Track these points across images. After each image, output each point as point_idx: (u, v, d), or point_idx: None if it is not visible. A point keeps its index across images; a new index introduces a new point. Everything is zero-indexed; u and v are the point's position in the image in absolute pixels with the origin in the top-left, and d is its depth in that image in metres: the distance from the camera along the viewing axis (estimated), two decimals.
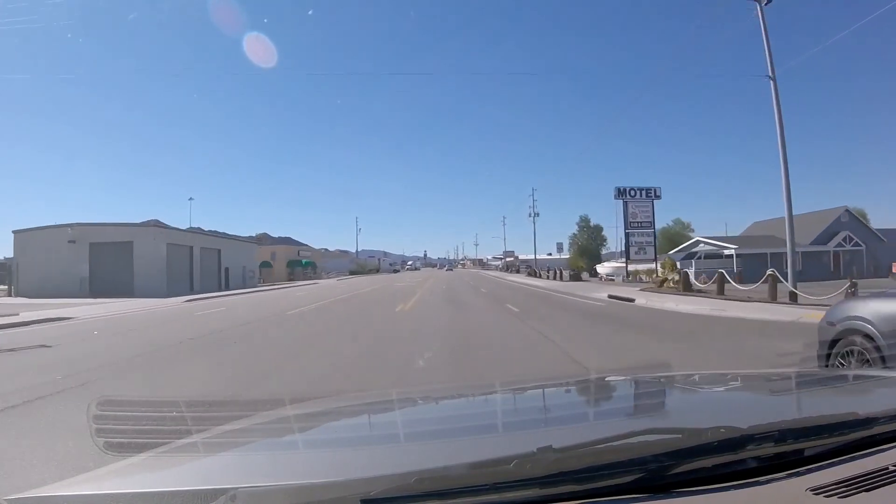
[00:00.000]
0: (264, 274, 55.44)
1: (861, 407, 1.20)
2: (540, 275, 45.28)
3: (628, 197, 31.42)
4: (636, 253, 30.68)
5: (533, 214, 63.34)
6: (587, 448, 0.98)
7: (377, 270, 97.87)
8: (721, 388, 2.06)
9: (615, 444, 0.99)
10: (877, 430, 1.12)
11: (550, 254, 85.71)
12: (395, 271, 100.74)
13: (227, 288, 37.27)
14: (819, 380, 2.17)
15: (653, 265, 29.15)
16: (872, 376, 2.21)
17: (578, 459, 0.94)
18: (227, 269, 39.98)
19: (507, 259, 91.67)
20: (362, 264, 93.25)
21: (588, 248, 55.78)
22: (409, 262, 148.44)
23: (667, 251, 41.99)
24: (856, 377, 2.22)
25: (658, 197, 31.54)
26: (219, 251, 39.80)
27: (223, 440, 1.36)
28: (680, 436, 1.01)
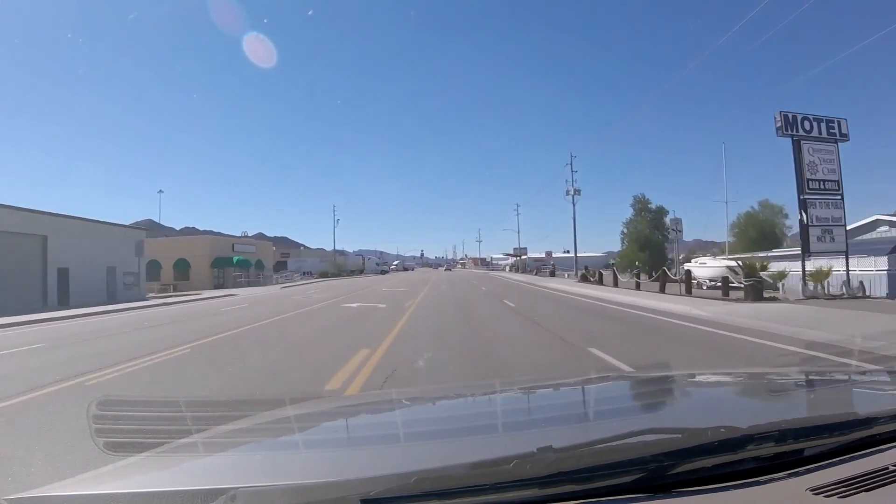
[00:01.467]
0: (179, 276, 40.97)
1: (861, 407, 1.20)
2: (593, 278, 27.67)
3: (801, 131, 16.76)
4: (819, 239, 16.47)
5: (572, 192, 40.97)
6: (587, 448, 0.98)
7: (361, 271, 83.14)
8: (721, 388, 2.06)
9: (615, 444, 0.99)
10: (877, 430, 1.12)
11: (567, 251, 70.40)
12: (384, 272, 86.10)
13: (67, 304, 22.53)
14: (819, 380, 2.17)
15: (825, 261, 16.73)
16: (872, 376, 2.21)
17: (578, 459, 0.94)
18: (62, 272, 23.93)
19: (521, 257, 72.46)
20: (341, 264, 75.52)
21: (652, 240, 36.62)
22: (396, 262, 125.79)
23: (759, 247, 31.91)
24: (856, 377, 2.23)
25: (844, 136, 17.24)
26: (43, 239, 23.26)
27: (223, 440, 1.36)
28: (680, 436, 1.00)
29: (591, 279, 27.78)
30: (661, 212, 38.13)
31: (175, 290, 36.78)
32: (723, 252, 37.47)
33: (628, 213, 40.75)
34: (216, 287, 40.27)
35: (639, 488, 0.93)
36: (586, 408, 1.78)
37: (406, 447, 1.29)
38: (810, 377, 2.31)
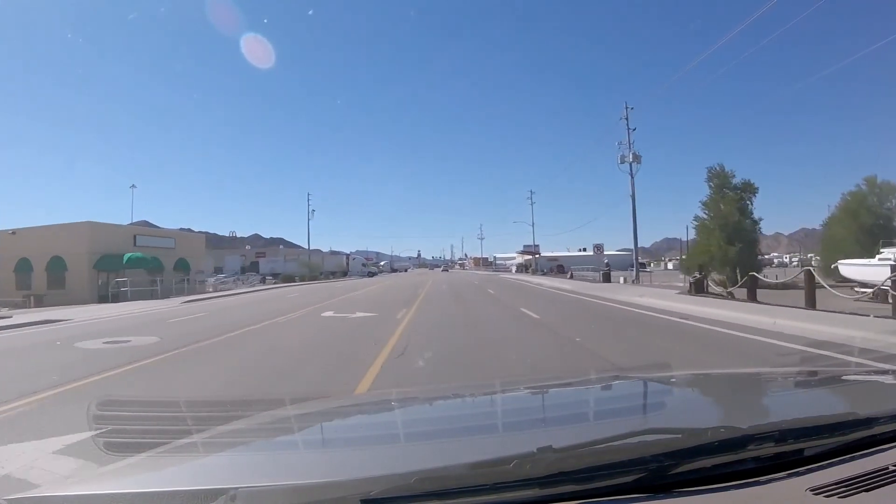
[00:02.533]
0: (53, 282, 28.20)
1: (861, 407, 1.20)
2: (724, 288, 17.13)
3: None
4: None
5: (630, 159, 27.53)
6: (587, 448, 0.98)
7: (345, 273, 68.24)
8: (721, 388, 2.06)
9: (615, 444, 0.99)
10: (877, 430, 1.13)
11: (584, 249, 63.19)
12: (371, 274, 71.36)
13: None
14: (819, 380, 2.17)
15: None
16: (872, 376, 2.21)
17: (578, 459, 0.94)
18: None
19: (535, 255, 59.86)
20: (314, 265, 59.11)
21: (740, 227, 22.74)
22: (382, 263, 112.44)
23: (873, 237, 18.98)
24: (856, 377, 2.23)
25: None
26: None
27: (223, 440, 1.36)
28: (680, 436, 1.01)
29: (723, 289, 16.32)
30: (749, 189, 23.21)
31: (39, 303, 24.78)
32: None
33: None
34: (101, 299, 26.62)
35: (639, 488, 0.93)
36: (586, 408, 1.78)
37: (406, 447, 1.29)
38: (810, 377, 2.32)
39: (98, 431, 1.41)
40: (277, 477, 1.01)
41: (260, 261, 66.23)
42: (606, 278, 28.25)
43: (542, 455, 0.93)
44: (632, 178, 27.70)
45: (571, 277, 35.87)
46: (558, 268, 48.07)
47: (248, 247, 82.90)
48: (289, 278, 51.02)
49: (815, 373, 2.56)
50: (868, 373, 2.70)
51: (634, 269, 28.43)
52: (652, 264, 68.08)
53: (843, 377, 2.22)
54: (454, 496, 0.89)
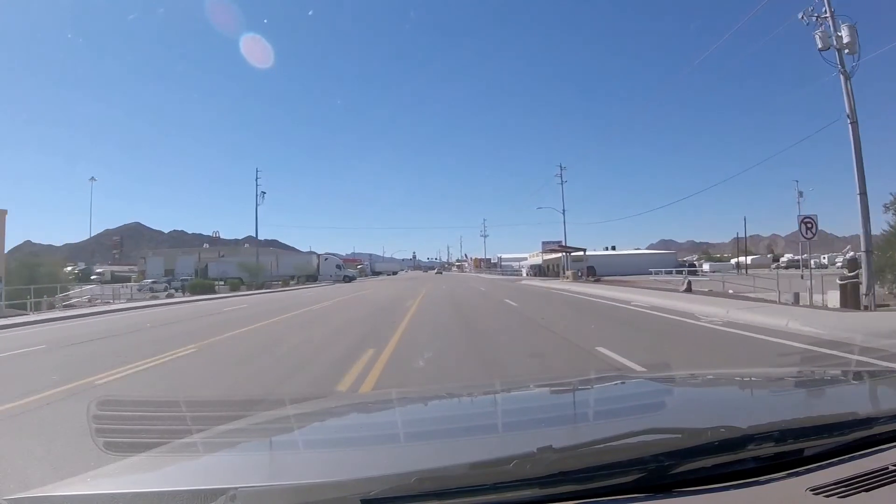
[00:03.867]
0: None
1: (861, 407, 1.21)
2: None
3: None
4: None
5: (843, 36, 11.78)
6: (587, 448, 0.98)
7: (314, 277, 55.85)
8: (721, 388, 2.06)
9: (615, 444, 0.99)
10: (877, 429, 1.13)
11: (612, 247, 56.56)
12: (349, 279, 58.66)
13: None
14: (819, 380, 2.18)
15: None
16: (872, 376, 2.22)
17: (578, 459, 0.95)
18: None
19: (570, 253, 40.33)
20: (256, 268, 44.50)
21: None
22: (361, 265, 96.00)
23: None
24: (856, 377, 2.23)
25: None
26: None
27: (223, 440, 1.36)
28: (680, 436, 1.01)
29: None
30: None
31: None
32: None
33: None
34: None
35: (639, 488, 0.93)
36: (586, 408, 1.79)
37: (406, 447, 1.30)
38: (810, 377, 2.32)
39: (98, 431, 1.41)
40: (277, 477, 1.01)
41: (209, 263, 53.81)
42: (852, 297, 11.72)
43: (542, 455, 0.93)
44: (846, 77, 12.90)
45: (689, 290, 18.52)
46: (588, 270, 34.97)
47: (205, 245, 72.97)
48: (204, 287, 33.94)
49: (814, 372, 2.56)
50: (868, 372, 2.71)
51: (865, 273, 11.96)
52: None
53: (843, 377, 2.23)
54: (454, 496, 0.89)
